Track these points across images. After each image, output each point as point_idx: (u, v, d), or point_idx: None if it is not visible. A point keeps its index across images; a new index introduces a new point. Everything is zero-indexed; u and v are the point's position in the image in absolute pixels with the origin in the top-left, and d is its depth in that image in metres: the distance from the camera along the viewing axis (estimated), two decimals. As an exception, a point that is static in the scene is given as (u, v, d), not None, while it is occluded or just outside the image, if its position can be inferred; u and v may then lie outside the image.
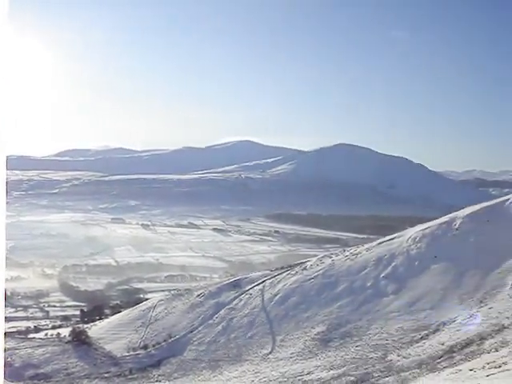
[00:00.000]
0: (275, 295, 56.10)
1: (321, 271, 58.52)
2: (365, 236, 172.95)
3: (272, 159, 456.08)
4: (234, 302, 56.96)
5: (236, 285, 61.10)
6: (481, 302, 45.82)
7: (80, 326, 63.56)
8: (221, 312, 55.61)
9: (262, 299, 56.06)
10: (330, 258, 62.82)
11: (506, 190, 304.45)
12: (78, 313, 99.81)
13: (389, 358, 39.64)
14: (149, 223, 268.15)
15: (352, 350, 42.57)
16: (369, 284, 53.62)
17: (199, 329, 53.55)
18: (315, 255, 78.75)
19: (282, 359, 43.92)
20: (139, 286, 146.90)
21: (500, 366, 28.03)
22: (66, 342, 53.77)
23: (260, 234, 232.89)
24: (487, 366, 29.16)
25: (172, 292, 65.33)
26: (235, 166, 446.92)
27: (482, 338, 38.27)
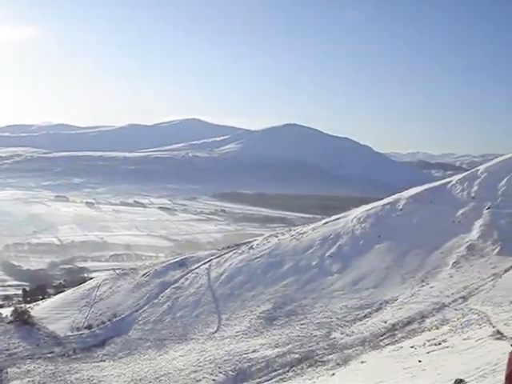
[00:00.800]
0: (221, 274, 56.08)
1: (267, 250, 58.76)
2: (311, 216, 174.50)
3: (220, 138, 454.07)
4: (180, 281, 56.65)
5: (182, 264, 60.73)
6: (422, 281, 46.93)
7: (22, 305, 61.99)
8: (166, 291, 55.23)
9: (208, 278, 55.97)
10: (277, 237, 63.12)
11: (449, 172, 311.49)
12: (20, 292, 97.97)
13: (333, 335, 40.25)
14: (93, 201, 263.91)
15: (297, 328, 43.01)
16: (314, 263, 54.15)
17: (144, 308, 53.09)
18: (261, 234, 79.04)
19: (227, 338, 44.05)
20: (83, 265, 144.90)
21: (440, 343, 28.82)
22: (8, 323, 52.44)
23: (207, 213, 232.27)
24: (428, 343, 29.95)
25: (117, 271, 64.40)
26: (182, 144, 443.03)
27: (423, 316, 39.26)
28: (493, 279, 42.81)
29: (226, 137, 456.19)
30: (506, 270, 43.53)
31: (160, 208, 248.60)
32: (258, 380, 35.96)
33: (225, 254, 61.30)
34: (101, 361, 44.98)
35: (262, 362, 37.99)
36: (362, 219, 60.05)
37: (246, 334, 43.69)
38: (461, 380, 14.52)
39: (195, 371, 39.17)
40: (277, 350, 39.29)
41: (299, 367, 35.75)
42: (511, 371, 3.62)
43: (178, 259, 63.82)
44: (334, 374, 30.25)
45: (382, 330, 38.55)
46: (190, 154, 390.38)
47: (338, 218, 63.73)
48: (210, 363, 39.83)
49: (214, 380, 37.62)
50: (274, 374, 36.08)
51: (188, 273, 58.18)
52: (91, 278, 73.67)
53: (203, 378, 38.07)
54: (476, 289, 41.91)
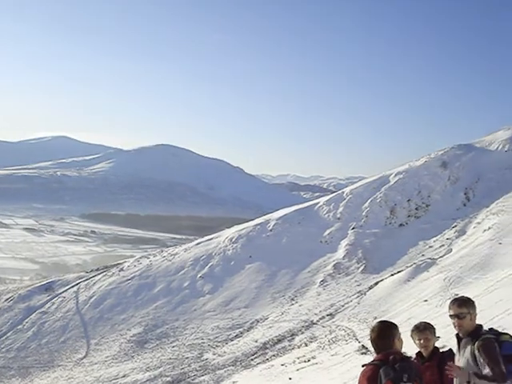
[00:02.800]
0: (90, 297, 54.32)
1: (138, 272, 57.79)
2: (183, 236, 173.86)
3: (90, 157, 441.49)
4: (47, 306, 54.17)
5: (48, 287, 58.13)
6: (292, 299, 48.20)
7: None
8: (31, 316, 52.56)
9: (77, 302, 53.98)
10: (148, 258, 62.32)
11: (317, 193, 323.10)
12: None
13: (205, 356, 40.17)
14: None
15: (168, 350, 42.52)
16: (186, 284, 53.95)
17: (8, 335, 50.15)
18: (133, 256, 77.71)
19: (96, 363, 42.62)
20: None
21: (309, 360, 29.65)
22: None
23: (75, 235, 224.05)
24: (297, 361, 30.71)
25: (-24, 296, 60.33)
26: (50, 162, 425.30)
27: (292, 334, 40.25)
28: (358, 296, 44.83)
29: (96, 156, 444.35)
30: (370, 288, 45.76)
31: (25, 229, 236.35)
32: (128, 406, 35.05)
33: (94, 276, 59.48)
34: (-42, 393, 41.92)
35: (133, 386, 37.12)
36: (233, 240, 60.75)
37: (116, 359, 42.50)
38: (328, 395, 15.00)
39: (61, 400, 37.50)
40: (148, 373, 38.54)
41: (171, 390, 35.31)
42: None
43: (43, 283, 60.99)
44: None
45: (254, 349, 39.02)
46: (58, 173, 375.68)
47: (210, 239, 64.05)
48: (78, 391, 38.34)
49: (81, 408, 36.20)
50: (144, 398, 35.35)
51: (55, 297, 55.77)
52: None
53: (70, 406, 36.53)
54: (342, 306, 43.66)
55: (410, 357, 4.11)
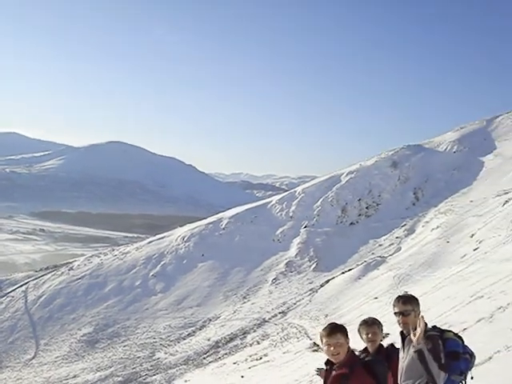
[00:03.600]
0: (39, 297, 53.28)
1: (88, 271, 56.98)
2: (135, 235, 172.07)
3: (40, 153, 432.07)
4: (-7, 306, 52.91)
5: (-5, 287, 56.79)
6: (244, 298, 48.36)
7: None
8: (-23, 317, 51.26)
9: (25, 301, 52.87)
10: (99, 257, 61.52)
11: (269, 192, 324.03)
12: None
13: (156, 355, 39.94)
14: None
15: (120, 350, 42.10)
16: (138, 283, 53.51)
17: (-49, 336, 48.77)
18: (83, 254, 76.54)
19: (45, 364, 41.85)
20: None
21: (261, 358, 29.82)
22: None
23: (24, 233, 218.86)
24: (250, 359, 30.86)
25: None
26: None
27: (245, 332, 40.39)
28: (309, 294, 45.29)
29: (46, 152, 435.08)
30: (322, 285, 46.29)
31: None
32: (79, 406, 34.55)
33: (43, 275, 58.36)
34: None
35: (83, 387, 36.62)
36: (186, 238, 60.54)
37: (66, 359, 41.83)
38: (280, 392, 15.14)
39: (9, 402, 36.71)
40: (99, 373, 38.10)
41: (122, 390, 34.99)
42: None
43: (-10, 282, 59.46)
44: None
45: (206, 347, 39.01)
46: (7, 170, 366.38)
47: (163, 237, 63.69)
48: (26, 392, 37.58)
49: (29, 410, 35.50)
50: (95, 399, 34.91)
51: (3, 296, 54.49)
52: None
53: (18, 408, 35.78)
54: (294, 304, 44.04)
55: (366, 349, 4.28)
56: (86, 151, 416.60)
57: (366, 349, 4.56)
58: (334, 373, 3.88)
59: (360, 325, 4.54)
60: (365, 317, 4.66)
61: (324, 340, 3.82)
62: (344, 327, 3.89)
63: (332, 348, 3.77)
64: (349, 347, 3.82)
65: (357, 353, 4.40)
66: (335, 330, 3.80)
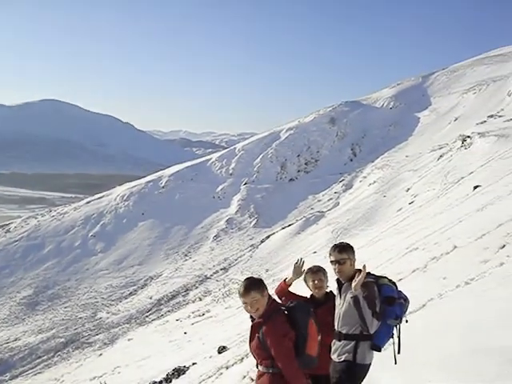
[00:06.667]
0: (-26, 260, 51.97)
1: (25, 233, 55.81)
2: (73, 195, 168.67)
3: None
4: None
5: None
6: (185, 255, 48.53)
7: None
8: None
9: (-41, 265, 51.50)
10: (36, 218, 60.25)
11: (209, 150, 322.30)
12: None
13: (98, 315, 39.84)
14: None
15: (61, 311, 41.74)
16: (77, 244, 52.85)
17: None
18: (19, 216, 74.80)
19: (-16, 328, 41.11)
20: None
21: (203, 314, 30.17)
22: None
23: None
24: (192, 315, 31.17)
25: None
26: None
27: (187, 289, 40.69)
28: (250, 250, 45.88)
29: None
30: (262, 241, 46.91)
31: None
32: (22, 369, 34.21)
33: (-22, 238, 56.78)
34: None
35: (25, 349, 36.24)
36: (125, 197, 59.90)
37: (7, 323, 41.17)
38: (224, 347, 15.40)
39: None
40: (40, 336, 37.76)
41: (65, 351, 34.84)
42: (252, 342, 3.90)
43: None
44: (101, 355, 30.01)
45: (148, 306, 39.14)
46: None
47: (101, 197, 62.81)
48: (-35, 356, 36.90)
49: (-31, 374, 34.94)
50: (38, 360, 34.65)
51: None
52: None
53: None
54: (235, 260, 44.56)
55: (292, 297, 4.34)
56: (19, 110, 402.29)
57: (312, 296, 4.67)
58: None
59: (306, 273, 4.61)
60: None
61: (241, 299, 3.84)
62: (259, 281, 3.78)
63: (249, 307, 3.79)
64: (269, 298, 3.83)
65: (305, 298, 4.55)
66: (248, 289, 3.74)
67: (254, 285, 3.83)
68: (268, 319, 3.76)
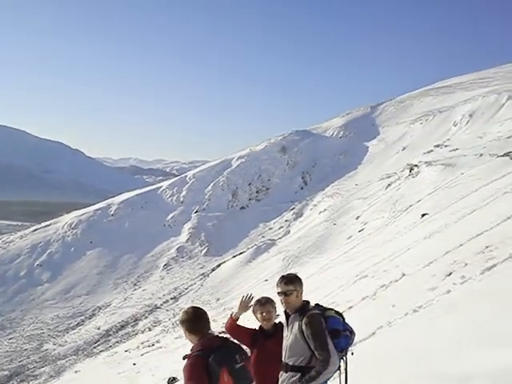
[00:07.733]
0: None
1: (-31, 262, 54.08)
2: (19, 223, 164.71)
3: None
4: None
5: None
6: (135, 284, 47.83)
7: None
8: None
9: None
10: (-21, 247, 58.51)
11: (160, 177, 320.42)
12: None
13: (45, 347, 38.76)
14: None
15: (5, 343, 40.45)
16: (23, 273, 51.55)
17: None
18: (-38, 245, 72.48)
19: None
20: None
21: (153, 344, 29.64)
22: None
23: None
24: (141, 346, 30.59)
25: None
26: None
27: (136, 319, 40.01)
28: (201, 279, 45.53)
29: None
30: (213, 270, 46.65)
31: None
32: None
33: None
34: None
35: (-34, 384, 34.85)
36: (73, 225, 58.86)
37: None
38: (173, 378, 15.18)
39: None
40: (-18, 369, 36.39)
41: (8, 384, 33.69)
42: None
43: None
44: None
45: (96, 336, 38.30)
46: None
47: (48, 225, 61.57)
48: None
49: None
50: (-21, 395, 33.37)
51: None
52: None
53: None
54: (186, 289, 44.12)
55: (227, 338, 4.16)
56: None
57: (261, 327, 4.67)
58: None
59: (254, 305, 4.63)
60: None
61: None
62: (185, 316, 3.76)
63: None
64: (200, 338, 3.68)
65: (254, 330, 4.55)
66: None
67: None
68: (188, 358, 3.63)
